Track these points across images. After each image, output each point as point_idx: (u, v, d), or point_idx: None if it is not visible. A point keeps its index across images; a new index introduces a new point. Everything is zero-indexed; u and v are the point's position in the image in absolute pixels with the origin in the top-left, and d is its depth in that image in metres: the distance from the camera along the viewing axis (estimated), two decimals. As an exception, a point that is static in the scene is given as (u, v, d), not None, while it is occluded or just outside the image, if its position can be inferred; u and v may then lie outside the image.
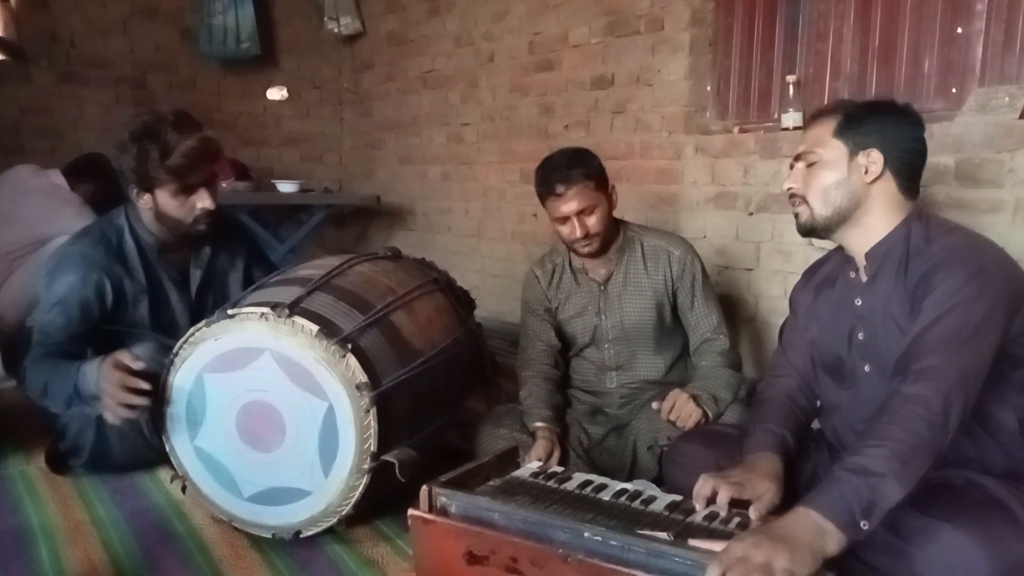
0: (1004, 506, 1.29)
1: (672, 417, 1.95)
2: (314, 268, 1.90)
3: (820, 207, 1.48)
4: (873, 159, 1.46)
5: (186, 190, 1.94)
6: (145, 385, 1.66)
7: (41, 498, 1.94)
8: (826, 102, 2.71)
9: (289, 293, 1.70)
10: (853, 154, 1.46)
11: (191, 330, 1.68)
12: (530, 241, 3.77)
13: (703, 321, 2.13)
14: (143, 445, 1.84)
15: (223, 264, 2.21)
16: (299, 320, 1.61)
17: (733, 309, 2.77)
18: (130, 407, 1.65)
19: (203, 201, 1.96)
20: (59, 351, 1.87)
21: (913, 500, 1.30)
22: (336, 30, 4.84)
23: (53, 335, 1.89)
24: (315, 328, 1.60)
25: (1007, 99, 2.20)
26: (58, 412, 1.91)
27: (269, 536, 1.70)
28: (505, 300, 3.90)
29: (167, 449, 1.75)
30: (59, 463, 2.08)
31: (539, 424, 2.00)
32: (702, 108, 3.03)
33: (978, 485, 1.35)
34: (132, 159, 1.89)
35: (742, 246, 2.84)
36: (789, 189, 1.53)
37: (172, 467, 1.78)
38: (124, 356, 1.68)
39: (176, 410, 1.72)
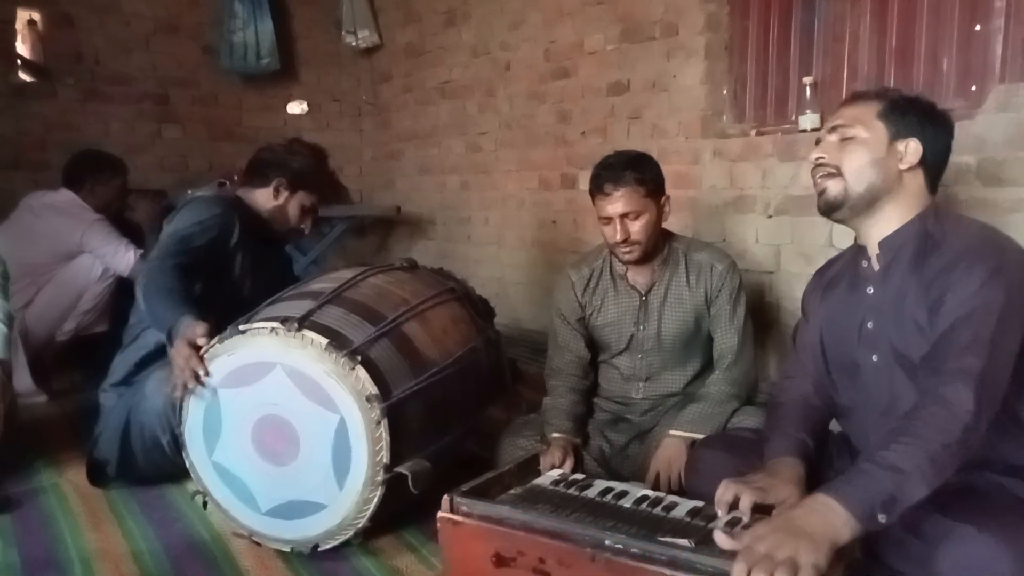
0: (1029, 508, 1.28)
1: (663, 482, 1.94)
2: (327, 281, 1.92)
3: (854, 182, 1.46)
4: (912, 148, 1.45)
5: (314, 207, 2.34)
6: (203, 370, 1.70)
7: (72, 511, 1.98)
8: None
9: (300, 307, 1.71)
10: (893, 139, 1.46)
11: (205, 347, 1.70)
12: (550, 248, 3.77)
13: (723, 340, 2.11)
14: (166, 460, 1.87)
15: (283, 267, 2.45)
16: (308, 333, 1.62)
17: (754, 314, 2.75)
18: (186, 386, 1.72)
19: (307, 224, 2.35)
20: (186, 266, 1.95)
21: (936, 503, 1.29)
22: (354, 43, 4.90)
23: (188, 244, 2.01)
24: (324, 341, 1.61)
25: (1029, 97, 2.18)
26: (154, 327, 1.95)
27: (288, 550, 1.72)
28: (526, 307, 3.91)
29: (187, 465, 1.78)
30: (98, 476, 2.12)
31: (556, 435, 1.99)
32: (719, 112, 3.03)
33: (1002, 487, 1.34)
34: (304, 161, 2.29)
35: (762, 249, 2.83)
36: (819, 159, 1.50)
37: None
38: (197, 332, 1.73)
39: (193, 426, 1.75)
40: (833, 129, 1.50)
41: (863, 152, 1.46)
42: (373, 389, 1.59)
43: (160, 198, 3.85)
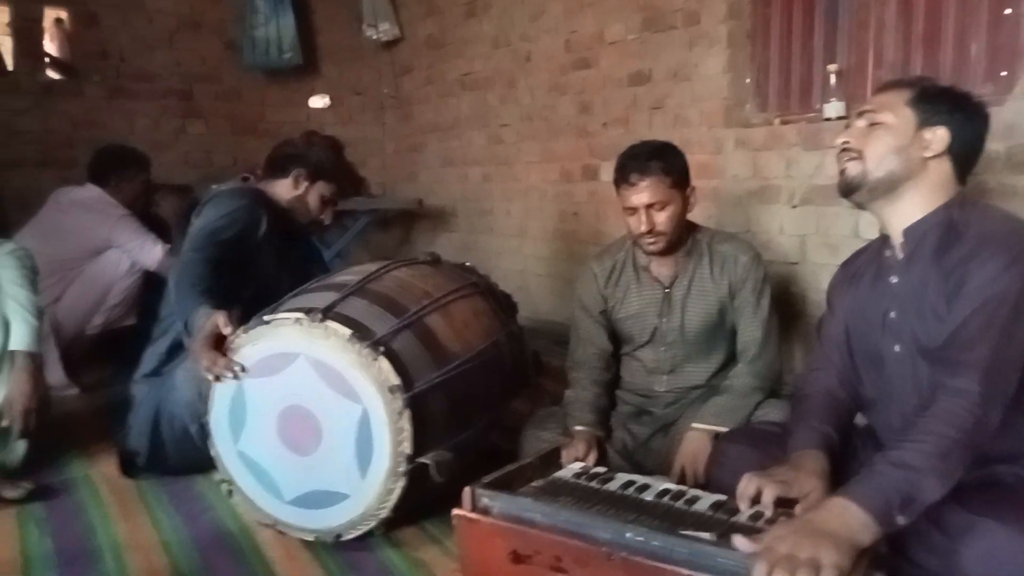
0: (1054, 502, 1.26)
1: (689, 476, 1.93)
2: (351, 274, 1.94)
3: (874, 167, 1.46)
4: (939, 136, 1.44)
5: (334, 197, 2.36)
6: (225, 364, 1.72)
7: (104, 501, 2.02)
8: (869, 92, 2.67)
9: (324, 298, 1.73)
10: (921, 127, 1.45)
11: (230, 337, 1.72)
12: (572, 240, 3.77)
13: (747, 332, 2.09)
14: (194, 450, 1.90)
15: (307, 259, 2.45)
16: (332, 324, 1.64)
17: (779, 305, 2.72)
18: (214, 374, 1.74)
19: (327, 214, 2.38)
20: (216, 258, 1.98)
21: (961, 497, 1.28)
22: (375, 36, 4.91)
23: (218, 236, 2.04)
24: (348, 332, 1.63)
25: (1060, 82, 2.13)
26: (177, 317, 1.99)
27: (311, 539, 1.74)
28: (549, 299, 3.91)
29: (213, 454, 1.80)
30: (129, 466, 2.16)
31: (579, 428, 1.99)
32: (742, 102, 3.00)
33: (1026, 480, 1.32)
34: (322, 152, 2.32)
35: (787, 240, 2.80)
36: (845, 143, 1.50)
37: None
38: (221, 320, 1.75)
39: (219, 415, 1.77)
40: (861, 114, 1.51)
41: (888, 138, 1.46)
42: (396, 380, 1.61)
43: (186, 194, 3.90)
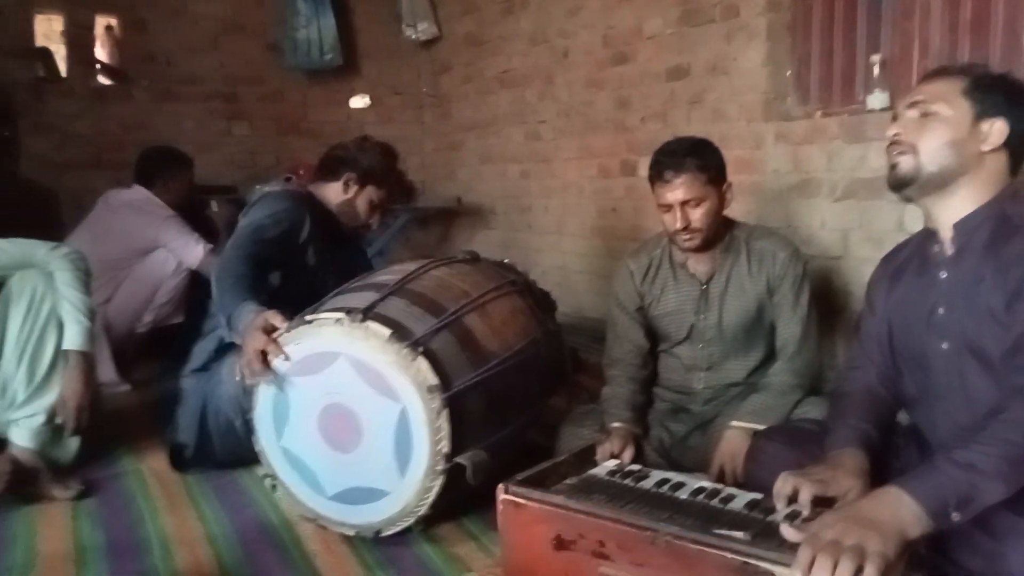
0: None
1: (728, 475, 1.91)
2: (391, 273, 1.97)
3: (928, 161, 1.41)
4: (997, 128, 1.39)
5: (382, 203, 2.41)
6: (283, 355, 1.75)
7: (152, 495, 2.09)
8: (914, 82, 2.60)
9: (364, 298, 1.76)
10: (978, 119, 1.40)
11: (277, 332, 1.76)
12: (610, 236, 3.75)
13: (786, 329, 2.07)
14: (239, 444, 1.95)
15: (352, 261, 2.47)
16: (372, 324, 1.67)
17: (821, 301, 2.68)
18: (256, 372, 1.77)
19: (375, 219, 2.43)
20: (257, 256, 2.03)
21: (1008, 500, 1.25)
22: (414, 36, 4.94)
23: (261, 235, 2.08)
24: (387, 332, 1.65)
25: (1117, 68, 2.05)
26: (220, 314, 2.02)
27: (352, 534, 1.77)
28: (587, 296, 3.90)
29: (257, 449, 1.85)
30: (178, 460, 2.23)
31: (616, 424, 1.99)
32: (782, 95, 2.95)
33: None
34: (374, 158, 2.37)
35: (828, 235, 2.75)
36: (895, 135, 1.45)
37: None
38: (274, 318, 1.78)
39: (263, 412, 1.82)
40: (913, 104, 1.44)
41: (943, 130, 1.40)
42: (434, 380, 1.63)
43: (234, 195, 4.00)
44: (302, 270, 2.21)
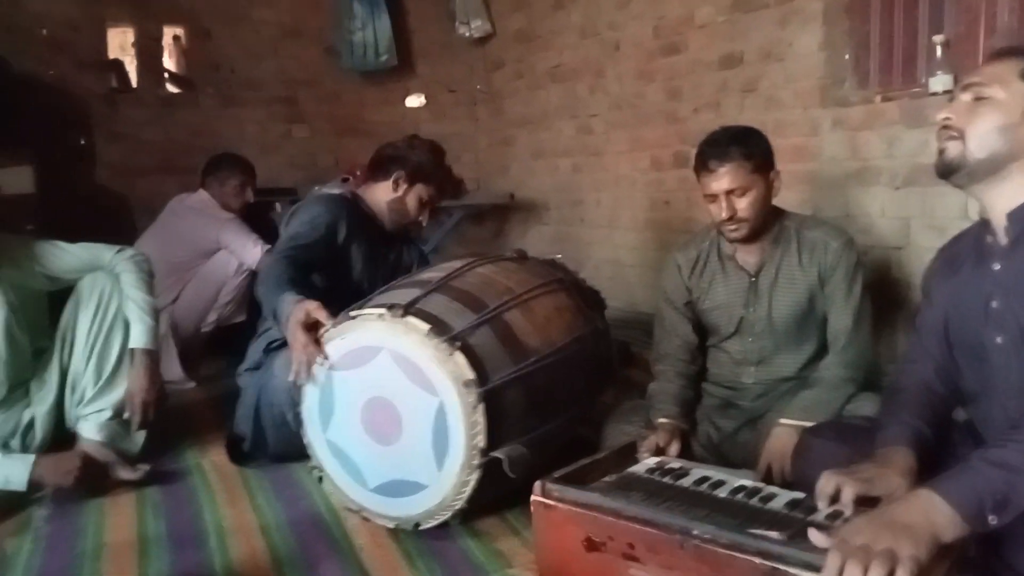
0: None
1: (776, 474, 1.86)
2: (437, 271, 2.00)
3: (976, 147, 1.35)
4: None
5: (431, 200, 2.43)
6: (321, 355, 1.80)
7: (212, 488, 2.17)
8: (980, 62, 2.48)
9: (408, 295, 1.79)
10: None
11: (320, 331, 1.81)
12: (663, 228, 3.71)
13: (838, 320, 2.00)
14: (292, 436, 2.01)
15: (406, 258, 2.54)
16: (412, 320, 1.70)
17: (881, 292, 2.60)
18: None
19: (425, 216, 2.46)
20: (296, 258, 2.10)
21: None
22: (467, 33, 4.98)
23: (299, 241, 2.16)
24: (426, 327, 1.68)
25: None
26: (267, 315, 2.10)
27: (392, 527, 1.81)
28: (640, 290, 3.87)
29: (305, 442, 1.90)
30: (236, 452, 2.31)
31: (662, 420, 1.97)
32: (839, 79, 2.86)
33: None
34: (423, 155, 2.39)
35: (889, 223, 2.66)
36: (946, 119, 1.39)
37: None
38: (316, 311, 1.83)
39: (310, 405, 1.87)
40: (967, 87, 1.38)
41: (995, 115, 1.34)
42: (471, 374, 1.65)
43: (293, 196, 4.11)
44: (347, 270, 2.26)
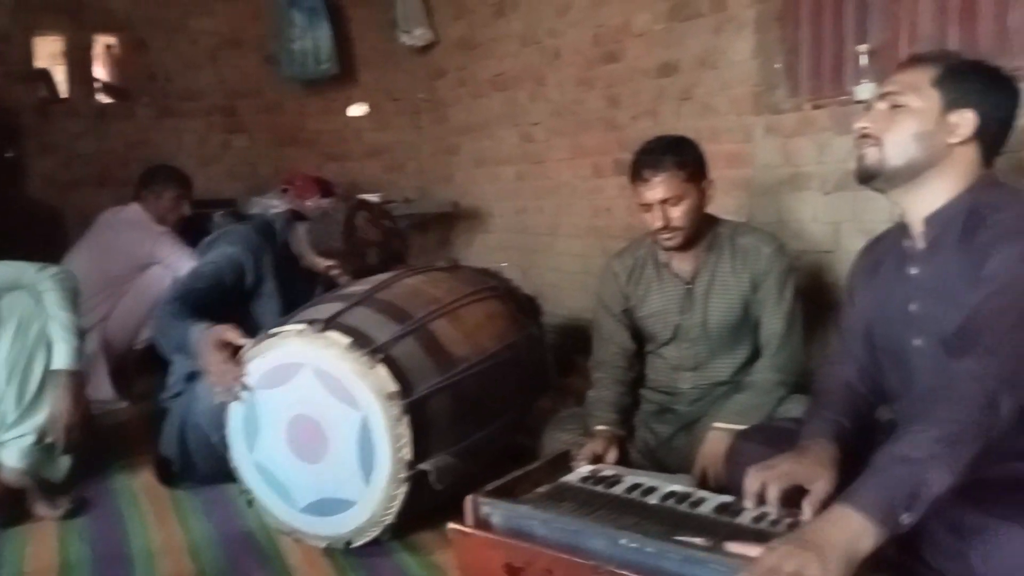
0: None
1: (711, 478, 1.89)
2: (363, 284, 1.98)
3: (893, 155, 1.38)
4: (966, 120, 1.36)
5: (339, 270, 2.25)
6: (242, 372, 1.77)
7: (141, 510, 2.11)
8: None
9: (330, 309, 1.77)
10: (946, 110, 1.36)
11: (243, 350, 1.77)
12: (605, 236, 3.73)
13: (770, 324, 2.05)
14: (220, 459, 1.96)
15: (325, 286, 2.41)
16: (332, 334, 1.67)
17: (813, 295, 2.65)
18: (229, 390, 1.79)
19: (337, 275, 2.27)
20: (193, 300, 2.03)
21: (975, 497, 1.22)
22: (409, 41, 4.94)
23: (198, 282, 2.10)
24: (347, 340, 1.66)
25: (1102, 49, 2.00)
26: (169, 356, 2.07)
27: (323, 546, 1.77)
28: (583, 297, 3.87)
29: (232, 465, 1.85)
30: (165, 474, 2.24)
31: (599, 427, 1.98)
32: (772, 87, 2.91)
33: (1048, 479, 1.25)
34: (363, 252, 2.20)
35: (820, 228, 2.71)
36: (863, 128, 1.42)
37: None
38: (229, 333, 1.80)
39: (235, 427, 1.83)
40: (884, 96, 1.42)
41: (910, 123, 1.37)
42: (393, 387, 1.63)
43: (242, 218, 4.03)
44: (260, 309, 2.19)
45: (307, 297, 2.27)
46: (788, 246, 2.67)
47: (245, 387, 1.78)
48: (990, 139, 1.39)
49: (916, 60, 1.44)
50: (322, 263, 2.27)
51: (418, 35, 4.92)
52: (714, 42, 3.06)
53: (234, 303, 2.14)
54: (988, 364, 1.16)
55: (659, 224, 1.97)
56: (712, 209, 2.16)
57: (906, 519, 1.11)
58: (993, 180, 1.40)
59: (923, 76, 1.39)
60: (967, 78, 1.38)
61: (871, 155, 1.41)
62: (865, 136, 1.43)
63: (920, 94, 1.38)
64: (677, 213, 1.97)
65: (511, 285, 2.27)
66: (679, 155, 1.98)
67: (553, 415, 2.23)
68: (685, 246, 2.04)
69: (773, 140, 2.85)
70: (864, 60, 2.56)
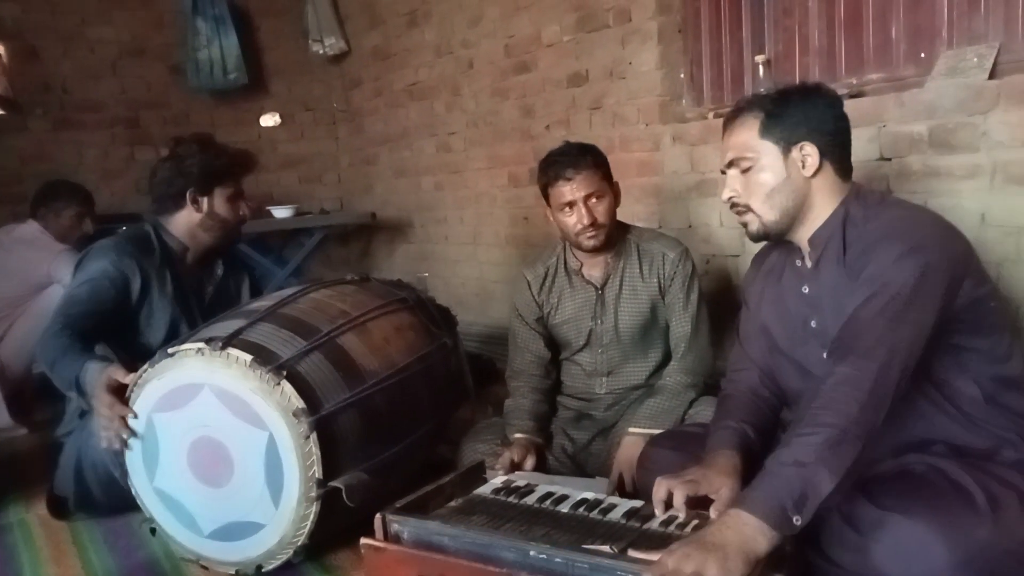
0: (963, 490, 1.25)
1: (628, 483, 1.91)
2: (266, 299, 1.92)
3: (767, 214, 1.45)
4: (808, 152, 1.42)
5: (238, 194, 2.20)
6: (131, 414, 1.69)
7: (36, 545, 1.99)
8: (797, 79, 2.67)
9: (230, 326, 1.71)
10: (786, 151, 1.42)
11: (138, 372, 1.70)
12: (524, 244, 3.75)
13: (678, 328, 2.10)
14: (122, 490, 1.87)
15: (230, 288, 2.32)
16: (233, 351, 1.61)
17: (722, 298, 2.73)
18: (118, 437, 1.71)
19: (244, 209, 2.23)
20: (77, 327, 1.89)
21: (870, 491, 1.27)
22: (322, 51, 4.88)
23: (76, 307, 1.94)
24: (248, 358, 1.60)
25: (976, 60, 2.12)
26: (64, 392, 1.92)
27: (232, 572, 1.71)
28: (505, 305, 3.87)
29: (132, 493, 1.78)
30: (59, 509, 2.12)
31: (517, 435, 1.99)
32: (677, 96, 2.99)
33: (938, 470, 1.31)
34: (197, 163, 2.11)
35: (727, 233, 2.80)
36: (730, 199, 1.48)
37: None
38: (117, 373, 1.71)
39: (133, 453, 1.75)
40: (730, 164, 1.48)
41: (764, 180, 1.43)
42: (300, 404, 1.58)
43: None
44: (154, 320, 2.08)
45: (200, 298, 2.20)
46: (697, 250, 2.76)
47: (133, 434, 1.71)
48: (837, 153, 1.44)
49: (734, 117, 1.49)
50: (223, 204, 2.14)
51: (330, 45, 4.85)
52: (621, 53, 3.12)
53: (123, 321, 2.03)
54: (865, 367, 1.22)
55: (585, 221, 2.00)
56: (624, 216, 2.20)
57: (797, 520, 1.15)
58: (859, 192, 1.47)
59: (750, 132, 1.44)
60: (786, 114, 1.42)
61: (751, 222, 1.48)
62: (735, 206, 1.49)
63: (756, 150, 1.43)
64: (601, 209, 2.02)
65: (423, 296, 2.24)
66: (595, 155, 2.06)
67: (472, 426, 2.22)
68: (602, 248, 2.08)
69: (680, 148, 2.92)
70: (761, 70, 2.65)
